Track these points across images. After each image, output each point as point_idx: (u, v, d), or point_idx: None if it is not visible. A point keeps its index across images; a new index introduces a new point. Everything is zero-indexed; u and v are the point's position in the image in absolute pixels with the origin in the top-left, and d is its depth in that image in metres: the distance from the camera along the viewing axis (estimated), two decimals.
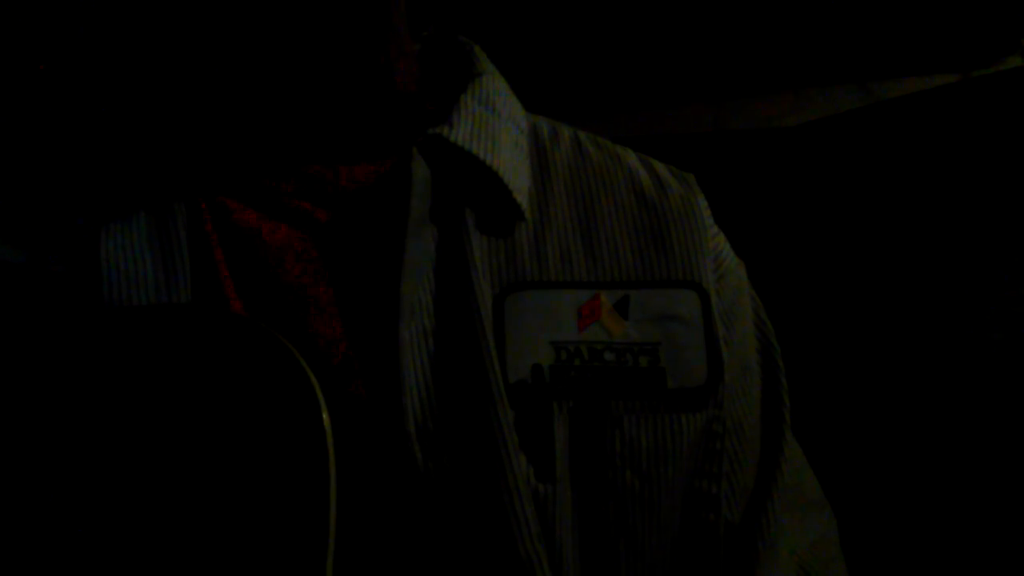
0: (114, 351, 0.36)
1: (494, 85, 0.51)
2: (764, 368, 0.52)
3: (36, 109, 0.49)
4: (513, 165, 0.48)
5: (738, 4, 1.23)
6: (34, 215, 0.43)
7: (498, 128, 0.49)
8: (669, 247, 0.49)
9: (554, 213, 0.49)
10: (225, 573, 0.33)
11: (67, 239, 0.43)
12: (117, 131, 0.47)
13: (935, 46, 1.22)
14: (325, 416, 0.33)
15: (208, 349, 0.36)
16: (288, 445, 0.34)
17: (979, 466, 1.01)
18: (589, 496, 0.43)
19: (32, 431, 0.35)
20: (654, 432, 0.45)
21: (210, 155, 0.46)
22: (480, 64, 0.52)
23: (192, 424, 0.35)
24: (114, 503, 0.34)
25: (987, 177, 1.10)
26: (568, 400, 0.44)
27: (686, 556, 0.46)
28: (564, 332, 0.45)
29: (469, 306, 0.43)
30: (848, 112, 1.26)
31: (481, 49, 0.53)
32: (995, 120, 1.10)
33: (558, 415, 0.43)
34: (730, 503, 0.48)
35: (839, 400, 1.07)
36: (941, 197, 1.12)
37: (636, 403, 0.45)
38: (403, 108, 0.48)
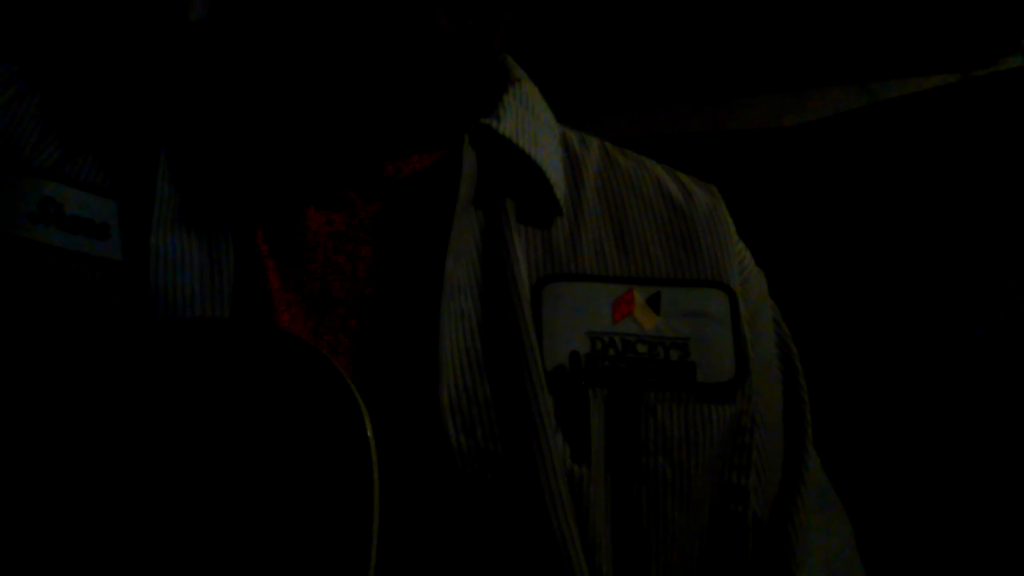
0: (152, 362, 0.36)
1: (531, 91, 0.53)
2: (784, 372, 0.54)
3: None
4: (552, 162, 0.50)
5: (738, 4, 1.24)
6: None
7: (537, 127, 0.50)
8: (698, 249, 0.51)
9: (587, 213, 0.50)
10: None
11: (124, 228, 0.43)
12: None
13: (935, 46, 1.22)
14: (370, 433, 0.33)
15: (247, 361, 0.36)
16: (331, 457, 0.34)
17: (983, 465, 1.02)
18: (623, 480, 0.44)
19: (75, 436, 0.35)
20: (685, 421, 0.46)
21: (275, 162, 0.47)
22: (516, 71, 0.53)
23: (233, 433, 0.34)
24: (160, 512, 0.33)
25: (987, 177, 1.10)
26: (603, 388, 0.45)
27: (716, 549, 0.47)
28: (599, 323, 0.46)
29: (509, 291, 0.44)
30: (848, 112, 1.26)
31: (513, 59, 0.54)
32: (995, 120, 1.11)
33: (594, 401, 0.44)
34: (758, 498, 0.48)
35: (836, 401, 1.07)
36: (941, 197, 1.12)
37: (667, 394, 0.46)
38: (456, 101, 0.49)
